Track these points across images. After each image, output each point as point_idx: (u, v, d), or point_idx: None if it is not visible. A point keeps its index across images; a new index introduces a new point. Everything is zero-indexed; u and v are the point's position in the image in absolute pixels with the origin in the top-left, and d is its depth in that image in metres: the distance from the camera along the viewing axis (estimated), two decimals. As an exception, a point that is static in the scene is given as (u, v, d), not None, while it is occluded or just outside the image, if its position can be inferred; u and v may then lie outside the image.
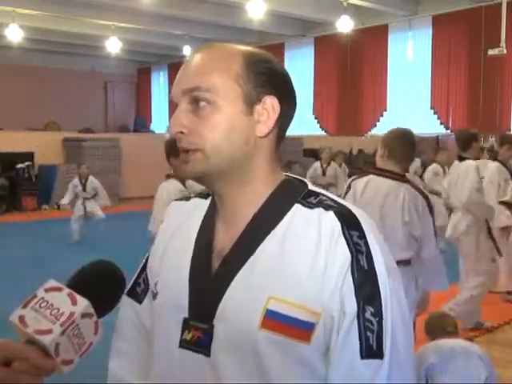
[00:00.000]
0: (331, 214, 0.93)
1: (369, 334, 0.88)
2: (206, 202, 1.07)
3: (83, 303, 0.79)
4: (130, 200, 13.38)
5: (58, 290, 0.80)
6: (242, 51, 0.99)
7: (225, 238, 0.99)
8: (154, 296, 1.04)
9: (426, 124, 12.14)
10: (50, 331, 0.76)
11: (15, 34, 11.87)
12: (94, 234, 9.41)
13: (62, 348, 0.76)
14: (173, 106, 1.03)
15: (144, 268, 1.15)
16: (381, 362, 0.87)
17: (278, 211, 0.97)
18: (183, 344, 0.96)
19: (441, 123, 11.95)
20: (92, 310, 0.79)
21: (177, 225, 1.09)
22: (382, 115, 12.87)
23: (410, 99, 12.35)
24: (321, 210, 0.95)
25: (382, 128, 12.75)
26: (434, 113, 12.03)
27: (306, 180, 1.04)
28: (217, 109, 0.94)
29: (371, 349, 0.87)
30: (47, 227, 10.08)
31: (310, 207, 0.96)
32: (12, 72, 16.01)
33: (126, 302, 1.15)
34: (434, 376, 2.52)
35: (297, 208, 0.97)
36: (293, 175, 1.05)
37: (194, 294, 0.97)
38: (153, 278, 1.08)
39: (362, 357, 0.87)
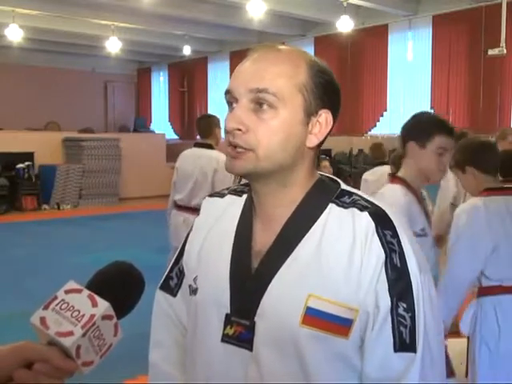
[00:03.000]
0: (366, 214, 0.97)
1: (402, 328, 0.92)
2: (241, 200, 1.10)
3: (104, 305, 0.79)
4: (130, 200, 13.38)
5: (78, 291, 0.81)
6: (306, 59, 1.01)
7: (263, 238, 1.01)
8: (195, 291, 1.07)
9: (426, 124, 12.13)
10: (71, 333, 0.76)
11: (15, 34, 11.87)
12: (94, 234, 9.42)
13: (82, 350, 0.77)
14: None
15: (176, 262, 1.18)
16: (414, 356, 0.91)
17: (313, 211, 1.00)
18: (225, 338, 0.99)
19: (441, 123, 11.95)
20: (112, 312, 0.80)
21: (212, 222, 1.11)
22: (382, 115, 12.87)
23: (410, 99, 12.35)
24: (355, 210, 0.98)
25: (382, 128, 12.76)
26: (434, 113, 12.04)
27: (338, 179, 1.07)
28: (277, 114, 0.96)
29: (404, 342, 0.91)
30: (47, 227, 10.08)
31: (344, 207, 0.99)
32: (12, 72, 16.03)
33: (159, 296, 1.20)
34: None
35: (331, 208, 1.00)
36: (326, 174, 1.08)
37: (235, 291, 1.00)
38: (191, 273, 1.10)
39: (396, 350, 0.91)
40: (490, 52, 9.57)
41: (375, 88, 12.96)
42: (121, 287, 0.85)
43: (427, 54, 12.06)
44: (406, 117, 2.41)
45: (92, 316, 0.77)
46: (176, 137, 17.68)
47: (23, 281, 6.15)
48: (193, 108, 17.26)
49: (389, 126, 12.66)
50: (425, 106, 12.12)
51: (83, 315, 0.77)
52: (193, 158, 4.55)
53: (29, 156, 12.39)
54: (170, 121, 18.18)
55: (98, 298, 0.79)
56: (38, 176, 12.43)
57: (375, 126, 12.94)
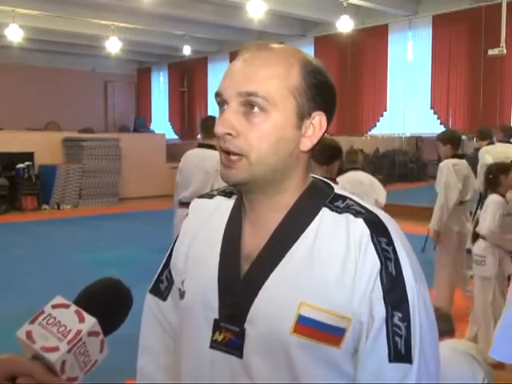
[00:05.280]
0: (360, 220, 0.94)
1: (397, 338, 0.89)
2: (230, 202, 1.07)
3: (91, 321, 0.78)
4: (130, 200, 13.37)
5: (66, 306, 0.80)
6: (299, 58, 0.97)
7: (253, 242, 0.98)
8: (182, 295, 1.04)
9: (426, 124, 12.13)
10: (56, 348, 0.75)
11: (15, 34, 11.86)
12: (94, 234, 9.43)
13: (67, 365, 0.76)
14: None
15: (166, 265, 1.16)
16: (410, 366, 0.89)
17: (306, 216, 0.97)
18: (214, 345, 0.96)
19: (441, 123, 11.94)
20: (99, 329, 0.79)
21: (200, 223, 1.08)
22: (382, 115, 12.85)
23: (410, 99, 12.33)
24: (349, 215, 0.95)
25: (382, 128, 12.75)
26: (434, 113, 12.02)
27: (331, 183, 1.04)
28: (269, 118, 0.93)
29: (400, 353, 0.89)
30: (47, 227, 10.07)
31: (338, 212, 0.96)
32: (12, 72, 16.01)
33: (149, 300, 1.16)
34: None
35: (324, 212, 0.97)
36: (319, 177, 1.05)
37: (224, 296, 0.97)
38: (179, 276, 1.08)
39: (391, 360, 0.89)
40: (490, 52, 9.57)
41: (375, 88, 12.95)
42: (108, 303, 0.85)
43: (427, 53, 12.05)
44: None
45: (78, 332, 0.77)
46: (176, 137, 17.66)
47: (23, 281, 6.14)
48: (193, 108, 17.24)
49: (389, 126, 12.65)
50: (425, 105, 12.12)
51: (69, 331, 0.76)
52: (196, 157, 4.67)
53: (29, 156, 12.38)
54: (170, 121, 18.15)
55: (85, 314, 0.79)
56: (38, 176, 12.43)
57: (375, 126, 12.92)
